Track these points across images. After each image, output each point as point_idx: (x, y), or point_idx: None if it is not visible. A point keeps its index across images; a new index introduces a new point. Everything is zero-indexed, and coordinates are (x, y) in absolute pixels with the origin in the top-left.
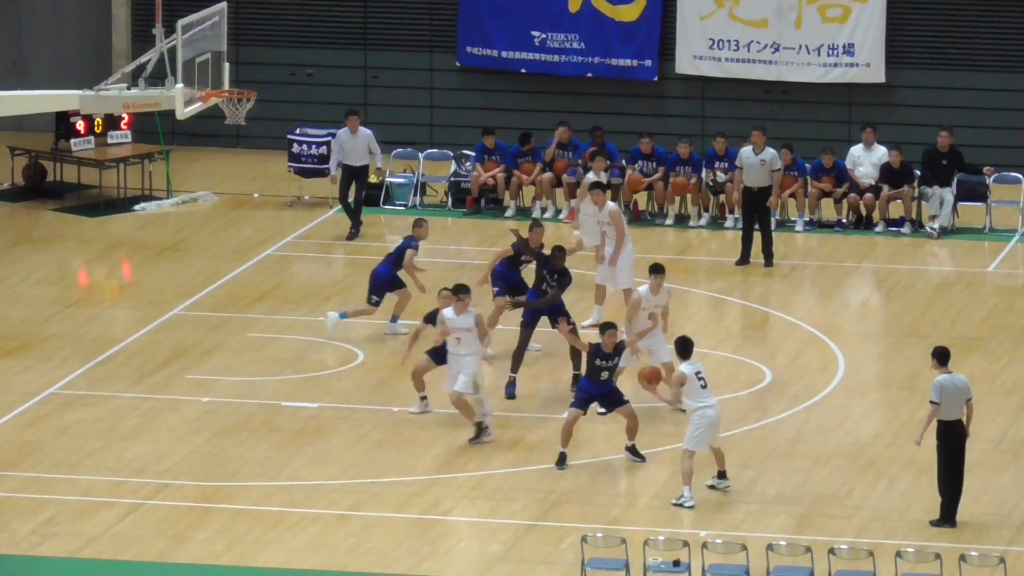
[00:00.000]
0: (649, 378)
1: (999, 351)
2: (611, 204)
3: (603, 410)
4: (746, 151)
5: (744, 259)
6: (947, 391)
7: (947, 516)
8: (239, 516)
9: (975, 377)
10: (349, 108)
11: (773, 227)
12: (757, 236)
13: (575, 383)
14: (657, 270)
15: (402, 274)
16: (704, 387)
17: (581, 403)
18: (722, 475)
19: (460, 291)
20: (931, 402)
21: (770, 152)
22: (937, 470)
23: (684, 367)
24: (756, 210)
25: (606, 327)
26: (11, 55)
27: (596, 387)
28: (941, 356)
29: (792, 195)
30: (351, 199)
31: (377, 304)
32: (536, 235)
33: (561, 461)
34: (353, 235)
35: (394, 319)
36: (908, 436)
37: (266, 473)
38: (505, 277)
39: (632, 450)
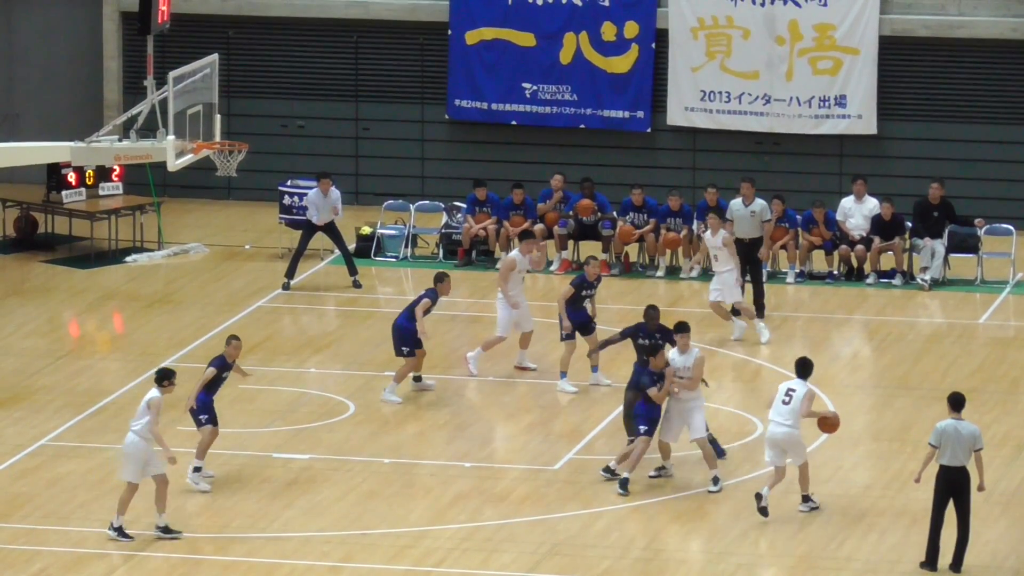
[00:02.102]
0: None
1: (990, 403)
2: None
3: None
4: (736, 203)
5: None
6: (947, 436)
7: (930, 560)
8: (231, 568)
9: None
10: (321, 172)
11: (764, 278)
12: (748, 287)
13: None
14: (682, 328)
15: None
16: (785, 403)
17: (651, 431)
18: (805, 498)
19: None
20: (930, 444)
21: (760, 203)
22: (931, 514)
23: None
24: (747, 261)
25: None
26: (2, 107)
27: (653, 409)
28: (953, 402)
29: (783, 247)
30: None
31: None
32: (444, 286)
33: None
34: (358, 284)
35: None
36: (899, 488)
37: (257, 525)
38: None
39: (611, 471)
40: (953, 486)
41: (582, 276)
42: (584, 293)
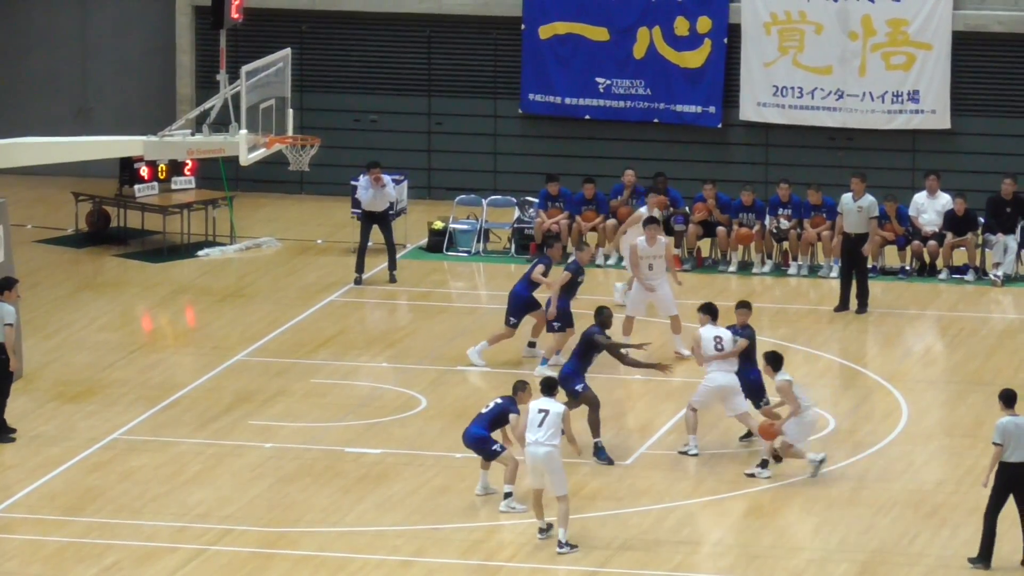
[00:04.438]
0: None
1: None
2: (663, 238)
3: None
4: (846, 197)
5: (843, 305)
6: (1010, 433)
7: (983, 557)
8: (302, 562)
9: None
10: (371, 161)
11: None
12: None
13: (596, 452)
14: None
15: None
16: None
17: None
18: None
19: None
20: (994, 443)
21: (868, 199)
22: (986, 511)
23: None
24: (851, 256)
25: (741, 305)
26: (76, 101)
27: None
28: (1007, 398)
29: None
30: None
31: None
32: (555, 251)
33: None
34: (393, 278)
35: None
36: (971, 483)
37: (329, 519)
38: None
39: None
40: (1015, 481)
41: (575, 263)
42: (579, 280)
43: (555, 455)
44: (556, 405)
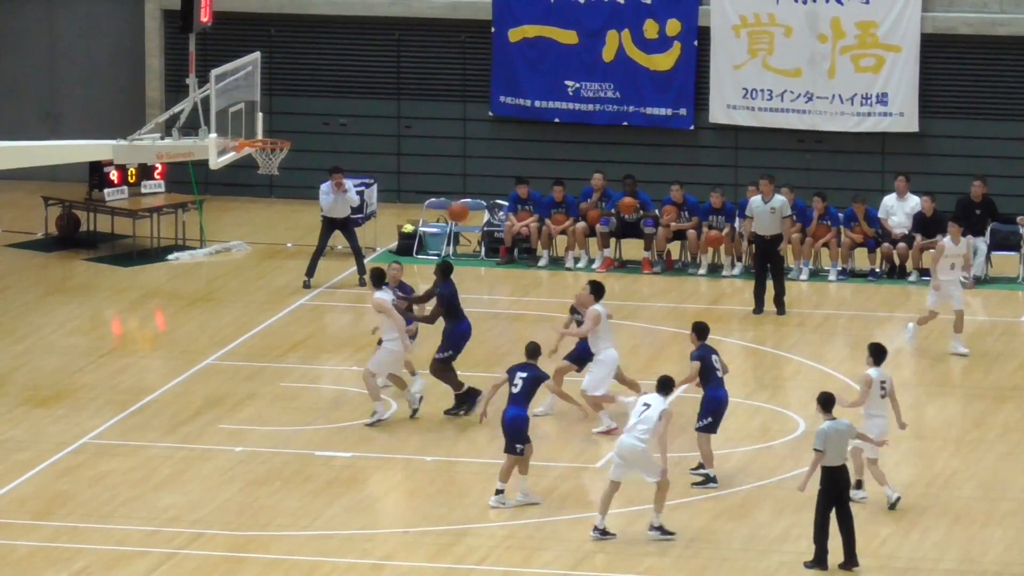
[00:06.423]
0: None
1: None
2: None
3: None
4: (755, 200)
5: (759, 308)
6: (831, 438)
7: (819, 560)
8: (272, 566)
9: (1008, 427)
10: (333, 166)
11: (788, 275)
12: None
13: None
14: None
15: None
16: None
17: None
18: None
19: None
20: (815, 450)
21: (779, 199)
22: (815, 516)
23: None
24: (767, 258)
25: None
26: (45, 106)
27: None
28: (825, 403)
29: (825, 244)
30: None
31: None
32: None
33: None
34: (363, 282)
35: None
36: (941, 485)
37: (299, 523)
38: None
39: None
40: (839, 485)
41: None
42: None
43: (640, 450)
44: (659, 403)
